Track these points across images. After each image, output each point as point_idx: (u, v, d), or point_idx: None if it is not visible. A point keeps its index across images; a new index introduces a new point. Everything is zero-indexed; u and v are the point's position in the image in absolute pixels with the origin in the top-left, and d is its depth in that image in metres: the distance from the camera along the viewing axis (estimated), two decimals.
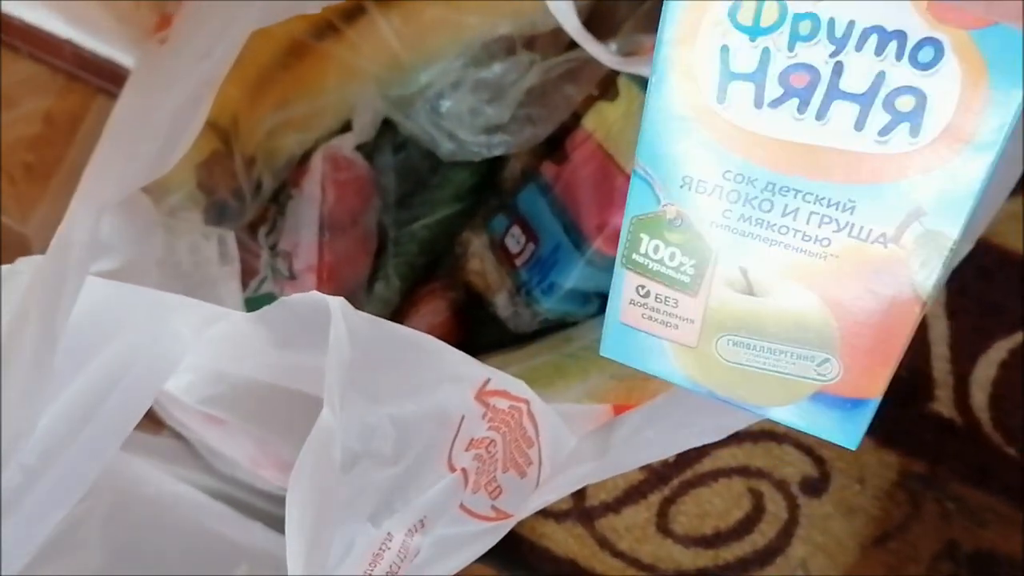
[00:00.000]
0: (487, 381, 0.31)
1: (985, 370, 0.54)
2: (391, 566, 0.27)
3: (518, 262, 0.47)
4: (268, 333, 0.29)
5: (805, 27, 0.23)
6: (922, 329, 0.54)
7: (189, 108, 0.29)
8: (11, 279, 0.26)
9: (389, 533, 0.27)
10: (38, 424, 0.23)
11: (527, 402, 0.33)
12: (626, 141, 0.45)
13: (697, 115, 0.24)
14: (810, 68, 0.23)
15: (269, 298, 0.43)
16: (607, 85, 0.47)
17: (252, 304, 0.44)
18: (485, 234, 0.49)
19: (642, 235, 0.27)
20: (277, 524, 0.33)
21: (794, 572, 0.54)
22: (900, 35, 0.22)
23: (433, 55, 0.43)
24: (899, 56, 0.22)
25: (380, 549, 0.27)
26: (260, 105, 0.44)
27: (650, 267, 0.27)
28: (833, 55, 0.23)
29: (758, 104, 0.24)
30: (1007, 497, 0.53)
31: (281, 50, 0.44)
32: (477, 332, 0.50)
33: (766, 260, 0.26)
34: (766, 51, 0.23)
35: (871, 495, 0.54)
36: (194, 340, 0.28)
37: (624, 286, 0.28)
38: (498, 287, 0.48)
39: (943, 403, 0.54)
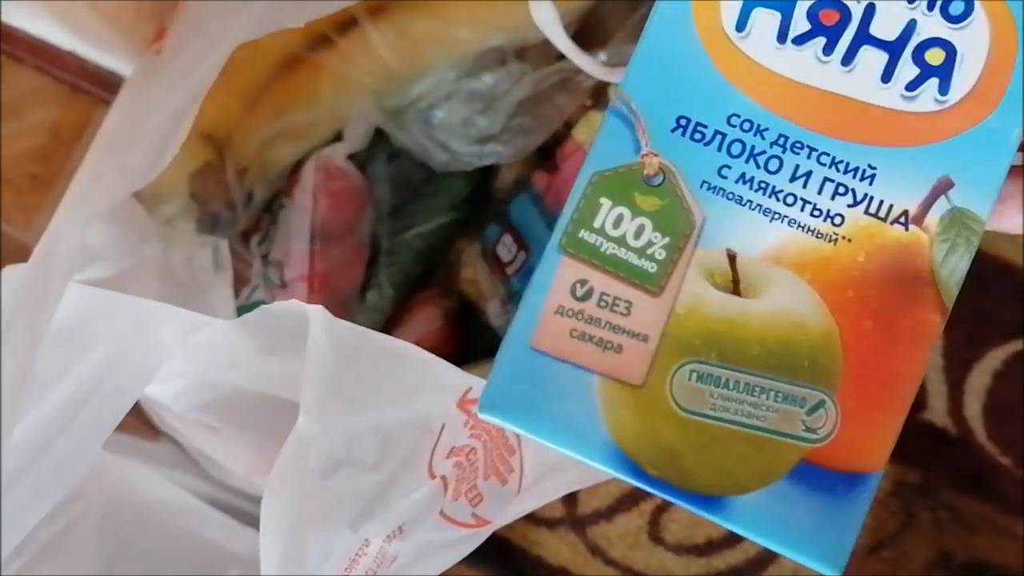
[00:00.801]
0: (469, 389, 0.32)
1: (979, 379, 0.54)
2: (367, 572, 0.28)
3: (510, 271, 0.48)
4: (252, 341, 0.30)
5: None
6: None
7: (175, 119, 0.30)
8: (5, 286, 0.27)
9: (367, 539, 0.28)
10: (20, 425, 0.24)
11: None
12: None
13: (710, 41, 0.21)
14: (841, 6, 0.21)
15: (259, 306, 0.43)
16: (598, 95, 0.48)
17: (243, 312, 0.44)
18: (477, 243, 0.49)
19: (603, 199, 0.21)
20: None
21: None
22: None
23: (425, 67, 0.44)
24: (930, 6, 0.21)
25: (357, 555, 0.27)
26: (254, 116, 0.45)
27: (603, 249, 0.21)
28: None
29: (781, 38, 0.21)
30: (1001, 506, 0.53)
31: (275, 62, 0.44)
32: (470, 339, 0.50)
33: (763, 240, 0.21)
34: None
35: None
36: (177, 347, 0.28)
37: (553, 284, 0.21)
38: (490, 295, 0.49)
39: (936, 412, 0.54)
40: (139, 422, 0.47)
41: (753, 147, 0.21)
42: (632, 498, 0.55)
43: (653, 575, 0.55)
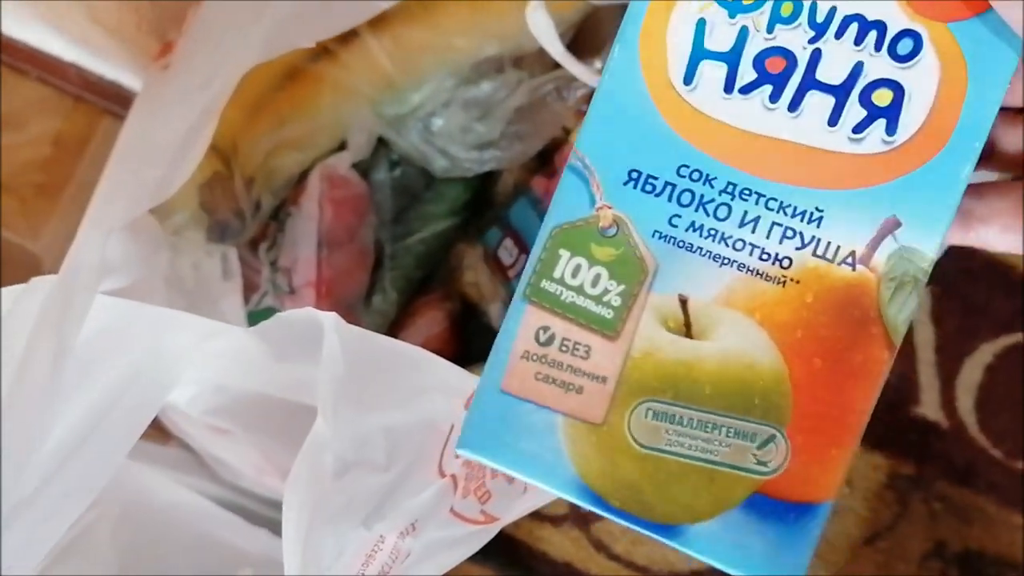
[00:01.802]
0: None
1: (970, 373, 0.55)
2: (383, 567, 0.29)
3: (511, 273, 0.49)
4: (266, 347, 0.31)
5: (787, 9, 0.22)
6: (909, 334, 0.56)
7: (192, 135, 0.31)
8: (25, 298, 0.28)
9: (381, 536, 0.29)
10: (51, 434, 0.25)
11: None
12: None
13: (659, 96, 0.22)
14: (787, 53, 0.22)
15: (269, 312, 0.44)
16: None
17: (253, 318, 0.45)
18: (479, 247, 0.50)
19: (562, 251, 0.22)
20: (280, 530, 0.35)
21: None
22: (880, 25, 0.22)
23: (424, 76, 0.45)
24: (878, 47, 0.22)
25: (373, 551, 0.29)
26: (258, 127, 0.46)
27: (563, 298, 0.22)
28: (812, 41, 0.22)
29: (728, 88, 0.22)
30: (994, 496, 0.54)
31: (278, 74, 0.45)
32: (473, 342, 0.51)
33: (714, 284, 0.22)
34: (744, 30, 0.22)
35: (860, 496, 0.55)
36: (195, 354, 0.29)
37: (519, 331, 0.22)
38: (492, 298, 0.50)
39: (929, 406, 0.55)
40: (150, 426, 0.48)
41: (702, 196, 0.22)
42: None
43: (656, 569, 0.56)
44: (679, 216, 0.22)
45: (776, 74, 0.22)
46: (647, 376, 0.22)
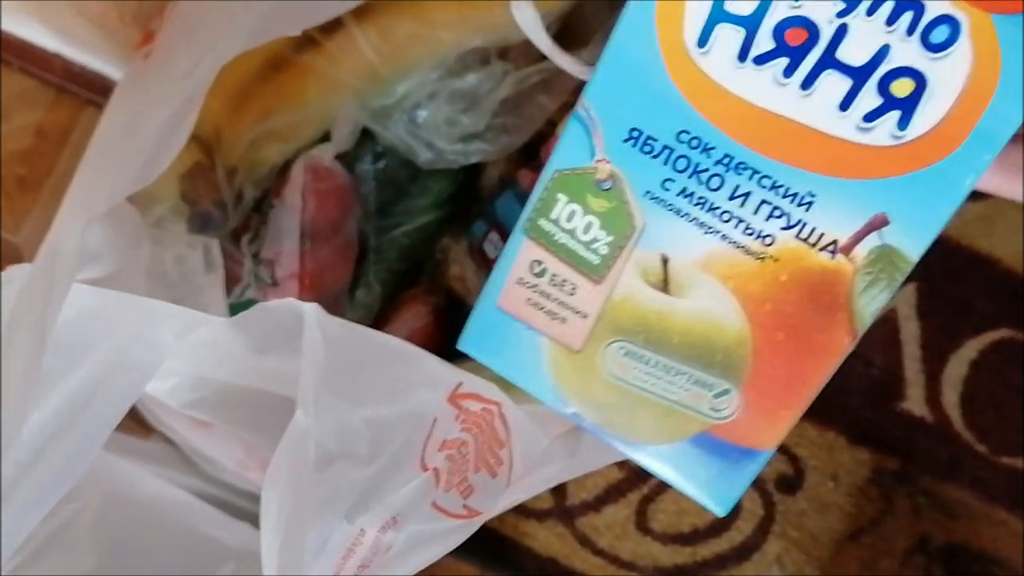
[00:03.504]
0: (459, 384, 0.33)
1: (956, 369, 0.56)
2: (363, 560, 0.29)
3: None
4: (247, 338, 0.31)
5: None
6: (894, 330, 0.56)
7: (173, 123, 0.31)
8: (2, 286, 0.27)
9: (362, 529, 0.29)
10: (29, 422, 0.25)
11: (499, 404, 0.34)
12: None
13: (670, 57, 0.21)
14: (811, 25, 0.20)
15: (252, 304, 0.44)
16: (580, 94, 0.48)
17: (236, 310, 0.45)
18: (464, 240, 0.50)
19: (560, 195, 0.23)
20: None
21: (770, 568, 0.55)
22: (918, 6, 0.20)
23: (409, 67, 0.45)
24: (911, 30, 0.20)
25: (353, 544, 0.28)
26: (242, 117, 0.45)
27: (557, 238, 0.23)
28: (841, 14, 0.20)
29: (742, 56, 0.21)
30: (977, 492, 0.54)
31: (261, 63, 0.45)
32: (458, 336, 0.51)
33: (695, 249, 0.22)
34: None
35: (845, 492, 0.55)
36: (175, 345, 0.29)
37: (517, 259, 0.24)
38: (478, 292, 0.49)
39: (915, 401, 0.55)
40: (131, 420, 0.48)
41: (698, 164, 0.22)
42: (619, 489, 0.56)
43: (641, 564, 0.56)
44: (672, 181, 0.22)
45: (795, 47, 0.20)
46: (623, 319, 0.23)
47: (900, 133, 0.21)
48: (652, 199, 0.22)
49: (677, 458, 0.24)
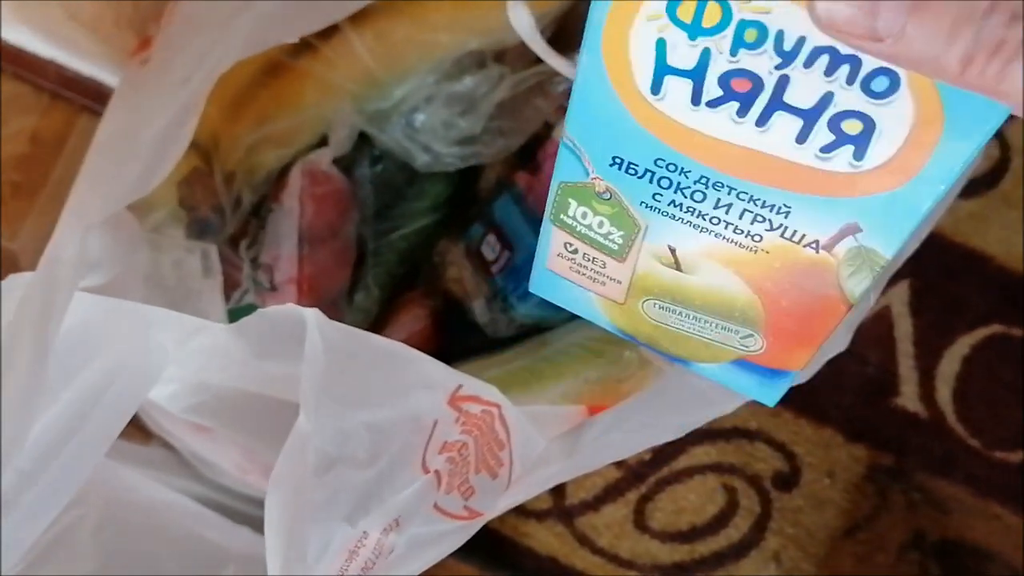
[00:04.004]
0: (459, 387, 0.33)
1: (949, 365, 0.56)
2: (366, 562, 0.29)
3: (494, 269, 0.49)
4: (247, 344, 0.31)
5: (751, 35, 0.20)
6: (888, 327, 0.56)
7: (172, 130, 0.31)
8: (3, 295, 0.28)
9: (365, 532, 0.29)
10: (32, 430, 0.25)
11: (499, 406, 0.34)
12: None
13: (630, 102, 0.22)
14: (753, 76, 0.21)
15: (250, 309, 0.44)
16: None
17: (235, 315, 0.45)
18: (462, 243, 0.50)
19: (570, 200, 0.25)
20: (263, 528, 0.35)
21: (767, 564, 0.56)
22: (854, 60, 0.20)
23: (406, 71, 0.45)
24: (850, 81, 0.20)
25: (356, 547, 0.28)
26: (239, 123, 0.45)
27: (578, 229, 0.26)
28: (779, 67, 0.20)
29: (695, 102, 0.21)
30: (971, 487, 0.55)
31: (258, 69, 0.45)
32: (456, 338, 0.51)
33: (695, 243, 0.25)
34: (706, 51, 0.21)
35: (840, 488, 0.56)
36: (176, 351, 0.29)
37: (552, 240, 0.27)
38: (475, 294, 0.50)
39: (909, 398, 0.56)
40: (131, 426, 0.48)
41: (679, 183, 0.23)
42: (618, 488, 0.56)
43: (640, 562, 0.56)
44: (660, 195, 0.24)
45: (742, 93, 0.21)
46: (650, 286, 0.27)
47: (857, 163, 0.21)
48: (647, 207, 0.24)
49: (723, 373, 0.28)
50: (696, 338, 0.27)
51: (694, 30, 0.21)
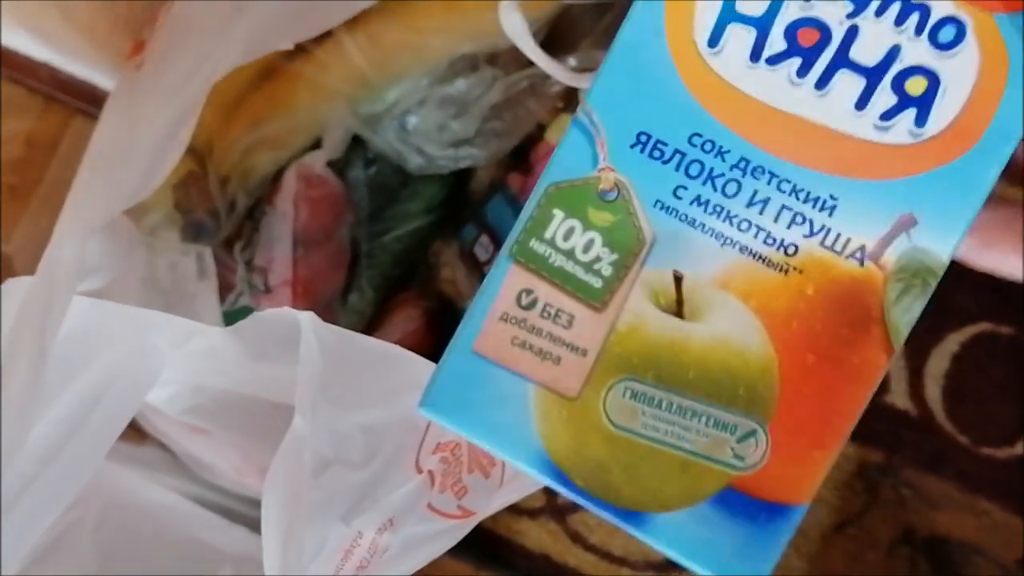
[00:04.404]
0: None
1: (938, 363, 0.57)
2: (361, 562, 0.29)
3: (487, 270, 0.49)
4: (243, 347, 0.31)
5: None
6: None
7: (169, 135, 0.31)
8: (3, 301, 0.28)
9: (360, 531, 0.29)
10: (32, 433, 0.25)
11: None
12: None
13: (680, 57, 0.20)
14: (822, 26, 0.20)
15: (245, 311, 0.45)
16: (569, 99, 0.49)
17: (229, 318, 0.46)
18: (455, 244, 0.51)
19: (556, 210, 0.21)
20: (259, 528, 0.36)
21: None
22: (923, 8, 0.20)
23: (399, 74, 0.45)
24: (919, 30, 0.20)
25: (351, 546, 0.29)
26: (233, 126, 0.46)
27: (551, 260, 0.21)
28: (851, 15, 0.20)
29: (755, 56, 0.20)
30: (960, 483, 0.55)
31: (253, 73, 0.45)
32: (450, 339, 0.52)
33: (712, 264, 0.20)
34: None
35: (830, 485, 0.56)
36: (173, 354, 0.29)
37: (501, 290, 0.21)
38: (469, 295, 0.50)
39: (898, 395, 0.56)
40: (126, 427, 0.48)
41: (712, 169, 0.20)
42: None
43: (632, 559, 0.56)
44: (685, 188, 0.20)
45: (807, 47, 0.20)
46: (630, 353, 0.20)
47: (918, 131, 0.20)
48: (662, 209, 0.20)
49: (694, 528, 0.20)
50: (669, 455, 0.20)
51: None
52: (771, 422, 0.20)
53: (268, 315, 0.29)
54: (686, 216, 0.21)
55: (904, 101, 0.20)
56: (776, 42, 0.20)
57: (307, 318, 0.28)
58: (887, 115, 0.20)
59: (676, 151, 0.20)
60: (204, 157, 0.45)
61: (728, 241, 0.20)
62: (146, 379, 0.29)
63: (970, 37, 0.20)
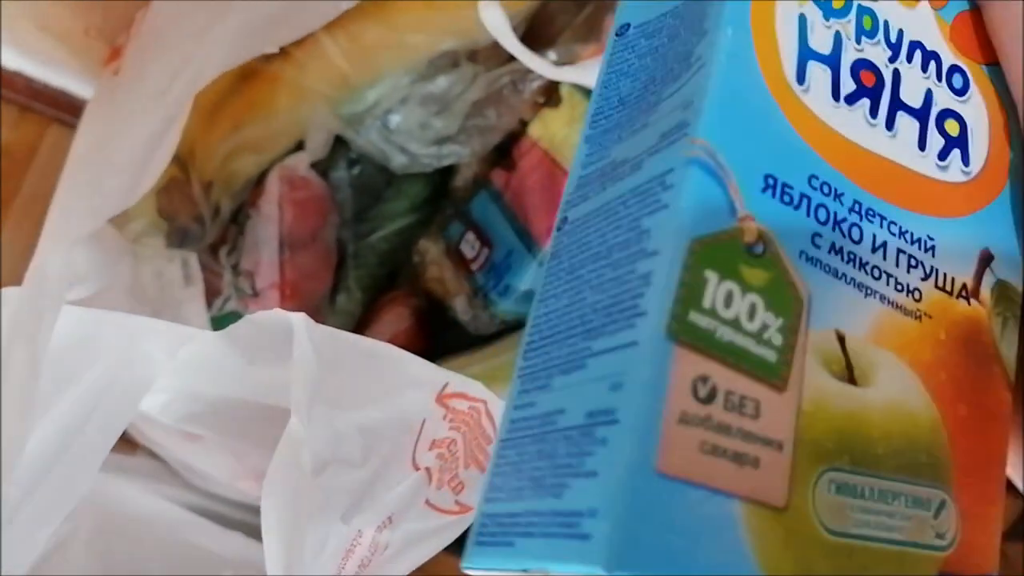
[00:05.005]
0: (446, 385, 0.33)
1: None
2: (362, 560, 0.29)
3: (474, 267, 0.49)
4: (237, 351, 0.31)
5: (867, 22, 0.20)
6: None
7: (154, 142, 0.31)
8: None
9: (359, 530, 0.29)
10: (28, 444, 0.25)
11: (485, 402, 0.35)
12: (570, 147, 0.47)
13: (778, 92, 0.18)
14: (875, 68, 0.20)
15: (234, 316, 0.44)
16: (550, 93, 0.49)
17: (218, 323, 0.45)
18: (441, 242, 0.51)
19: (708, 272, 0.16)
20: (256, 533, 0.36)
21: None
22: (936, 56, 0.21)
23: (379, 73, 0.45)
24: (939, 77, 0.21)
25: (352, 545, 0.29)
26: (215, 131, 0.45)
27: (719, 336, 0.16)
28: (891, 60, 0.20)
29: (835, 95, 0.19)
30: None
31: (231, 76, 0.45)
32: (440, 336, 0.52)
33: (863, 318, 0.18)
34: (838, 36, 0.19)
35: None
36: (166, 361, 0.29)
37: (671, 382, 0.15)
38: (456, 292, 0.50)
39: None
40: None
41: (835, 213, 0.18)
42: None
43: None
44: (820, 236, 0.18)
45: (870, 88, 0.20)
46: (823, 436, 0.17)
47: (967, 169, 0.20)
48: (808, 260, 0.18)
49: None
50: (885, 553, 0.17)
51: (827, 10, 0.19)
52: (953, 487, 0.18)
53: (260, 318, 0.29)
54: (829, 267, 0.18)
55: (949, 142, 0.20)
56: (847, 82, 0.19)
57: (300, 319, 0.28)
58: (942, 155, 0.20)
59: (801, 195, 0.18)
60: (186, 163, 0.45)
61: (869, 291, 0.18)
62: (139, 387, 0.29)
63: (972, 85, 0.21)
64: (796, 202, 0.18)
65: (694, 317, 0.16)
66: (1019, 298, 0.20)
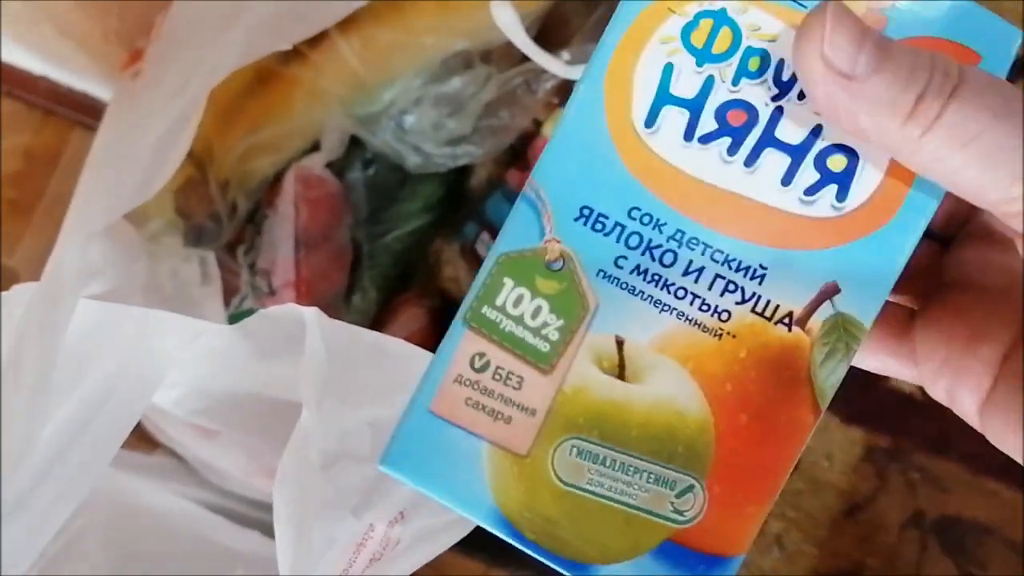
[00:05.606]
0: None
1: None
2: (374, 555, 0.29)
3: None
4: (250, 345, 0.31)
5: (754, 63, 0.22)
6: None
7: (169, 140, 0.31)
8: (8, 306, 0.28)
9: (371, 525, 0.29)
10: (41, 435, 0.25)
11: None
12: None
13: (619, 136, 0.22)
14: (750, 107, 0.22)
15: (250, 314, 0.45)
16: (564, 93, 0.49)
17: (235, 320, 0.46)
18: (456, 242, 0.51)
19: (507, 279, 0.22)
20: (271, 531, 0.36)
21: (770, 548, 0.56)
22: None
23: (393, 74, 0.45)
24: None
25: (363, 540, 0.29)
26: (231, 131, 0.46)
27: (502, 326, 0.22)
28: (775, 99, 0.22)
29: (688, 136, 0.22)
30: (967, 464, 0.56)
31: (248, 78, 0.46)
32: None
33: (651, 329, 0.22)
34: (710, 79, 0.22)
35: (839, 470, 0.56)
36: (180, 355, 0.30)
37: (456, 354, 0.22)
38: None
39: (904, 380, 0.56)
40: (135, 435, 0.48)
41: (650, 240, 0.22)
42: None
43: None
44: (625, 258, 0.22)
45: (736, 127, 0.22)
46: (576, 413, 0.22)
47: (840, 204, 0.22)
48: (605, 278, 0.22)
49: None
50: (614, 510, 0.22)
51: (703, 55, 0.22)
52: (707, 477, 0.22)
53: (273, 312, 0.29)
54: (626, 284, 0.22)
55: (826, 177, 0.22)
56: (708, 122, 0.22)
57: (312, 314, 0.28)
58: (810, 190, 0.22)
59: (617, 223, 0.22)
60: (203, 162, 0.45)
61: (666, 307, 0.22)
62: (152, 380, 0.29)
63: None
64: (608, 230, 0.22)
65: (486, 310, 0.22)
66: (859, 332, 0.22)
